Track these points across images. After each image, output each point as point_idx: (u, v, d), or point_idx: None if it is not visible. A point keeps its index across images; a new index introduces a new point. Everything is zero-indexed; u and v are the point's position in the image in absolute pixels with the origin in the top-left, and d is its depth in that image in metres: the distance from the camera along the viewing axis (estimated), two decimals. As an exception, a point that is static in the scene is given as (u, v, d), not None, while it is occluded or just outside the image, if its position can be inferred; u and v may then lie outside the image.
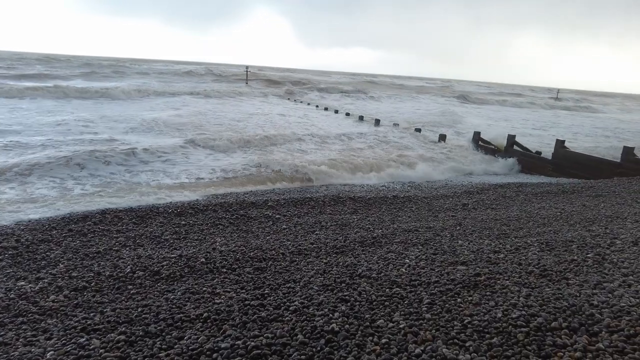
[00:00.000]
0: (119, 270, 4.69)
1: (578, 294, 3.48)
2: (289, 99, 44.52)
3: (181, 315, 3.54)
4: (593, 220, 6.24)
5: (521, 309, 3.25)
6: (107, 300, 3.98)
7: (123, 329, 3.34)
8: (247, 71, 64.26)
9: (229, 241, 5.76)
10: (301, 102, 41.42)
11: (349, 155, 14.67)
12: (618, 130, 32.20)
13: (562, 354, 2.63)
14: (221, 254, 5.15)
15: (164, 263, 4.86)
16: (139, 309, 3.70)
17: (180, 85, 45.75)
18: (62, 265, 4.85)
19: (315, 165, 12.24)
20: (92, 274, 4.59)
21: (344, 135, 19.39)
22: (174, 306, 3.75)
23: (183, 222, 6.62)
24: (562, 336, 2.82)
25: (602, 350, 2.62)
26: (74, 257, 5.15)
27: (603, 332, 2.79)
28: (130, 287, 4.30)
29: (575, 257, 4.50)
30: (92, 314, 3.65)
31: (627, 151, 13.71)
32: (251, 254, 5.19)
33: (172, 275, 4.55)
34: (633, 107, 73.85)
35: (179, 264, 4.84)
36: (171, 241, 5.81)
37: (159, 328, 3.34)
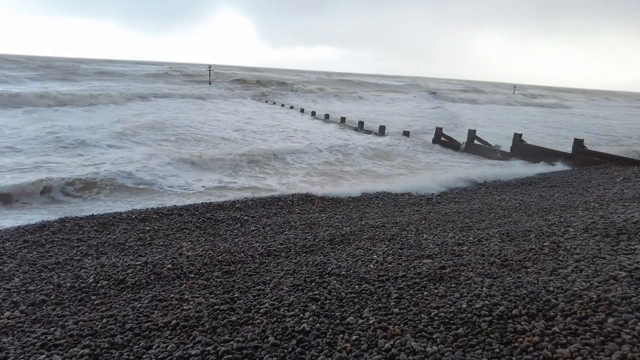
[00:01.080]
0: (81, 281, 4.52)
1: (536, 282, 3.65)
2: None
3: (149, 323, 3.46)
4: (549, 210, 6.55)
5: (484, 299, 3.38)
6: (68, 313, 3.83)
7: (87, 342, 3.23)
8: (209, 71, 62.98)
9: (196, 245, 5.67)
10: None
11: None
12: (596, 128, 30.68)
13: (522, 339, 2.76)
14: (188, 259, 5.06)
15: (129, 271, 4.73)
16: (104, 320, 3.59)
17: (141, 87, 44.05)
18: (17, 279, 4.62)
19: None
20: (52, 286, 4.41)
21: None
22: (141, 315, 3.67)
23: (147, 228, 6.46)
24: (522, 322, 2.96)
25: (558, 333, 2.77)
26: (30, 269, 4.93)
27: (558, 316, 2.95)
28: (93, 297, 4.16)
29: (534, 246, 4.72)
30: (52, 329, 3.51)
31: (577, 143, 14.45)
32: (219, 257, 5.13)
33: (137, 283, 4.43)
34: (606, 103, 76.24)
35: (145, 271, 4.73)
36: (136, 248, 5.66)
37: (125, 338, 3.25)
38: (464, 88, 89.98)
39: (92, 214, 7.29)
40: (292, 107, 35.70)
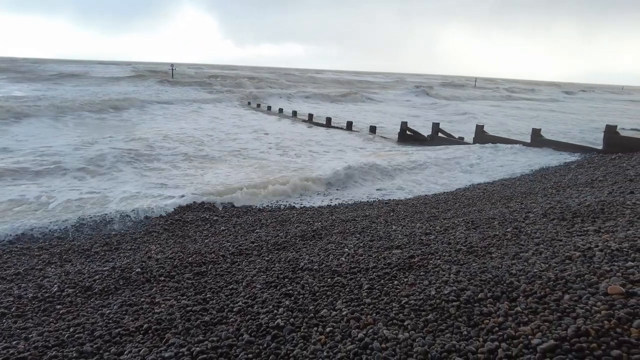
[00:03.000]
0: (44, 291, 4.36)
1: (500, 266, 3.82)
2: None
3: (119, 329, 3.39)
4: (510, 197, 6.84)
5: (452, 285, 3.51)
6: (32, 325, 3.70)
7: (54, 353, 3.14)
8: (172, 69, 61.27)
9: (165, 248, 5.58)
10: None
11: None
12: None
13: (487, 321, 2.89)
14: (157, 262, 4.97)
15: (96, 277, 4.60)
16: (71, 329, 3.49)
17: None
18: (-25, 292, 4.41)
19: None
20: (12, 298, 4.24)
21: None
22: (110, 321, 3.58)
23: (114, 232, 6.29)
24: (488, 305, 3.09)
25: (520, 312, 2.91)
26: (-11, 281, 4.71)
27: (520, 297, 3.10)
28: (59, 306, 4.03)
29: (497, 233, 4.92)
30: (14, 342, 3.37)
31: (535, 132, 15.09)
32: (190, 259, 5.07)
33: (106, 289, 4.32)
34: (586, 95, 75.28)
35: (113, 276, 4.61)
36: (102, 253, 5.51)
37: (95, 346, 3.18)
38: (442, 82, 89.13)
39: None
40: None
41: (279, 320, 3.22)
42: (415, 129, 19.12)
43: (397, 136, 19.23)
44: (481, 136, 16.55)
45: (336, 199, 8.24)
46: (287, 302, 3.53)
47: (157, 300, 3.95)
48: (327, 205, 7.69)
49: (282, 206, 7.67)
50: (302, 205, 7.77)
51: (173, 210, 7.20)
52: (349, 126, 22.20)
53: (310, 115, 25.70)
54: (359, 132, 20.95)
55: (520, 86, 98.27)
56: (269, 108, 31.47)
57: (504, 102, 50.86)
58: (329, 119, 23.74)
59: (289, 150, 14.99)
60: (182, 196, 7.79)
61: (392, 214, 6.31)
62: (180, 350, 2.97)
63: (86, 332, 3.40)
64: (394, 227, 5.50)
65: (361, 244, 5.12)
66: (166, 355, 2.93)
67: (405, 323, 3.03)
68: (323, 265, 4.51)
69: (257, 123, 23.16)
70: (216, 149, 14.59)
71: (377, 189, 9.14)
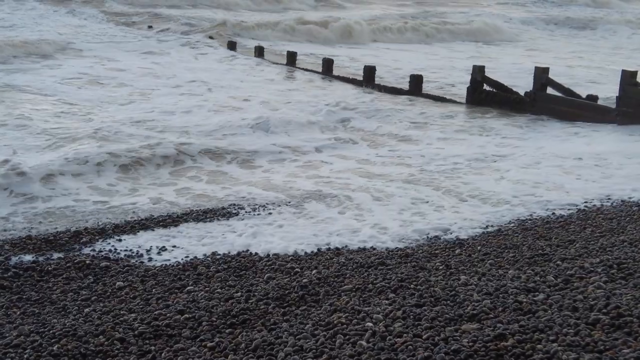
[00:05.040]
0: None
1: None
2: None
3: None
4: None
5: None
6: None
7: None
8: None
9: (4, 326, 2.78)
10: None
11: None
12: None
13: None
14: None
15: None
16: None
17: None
18: None
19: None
20: None
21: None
22: None
23: None
24: None
25: None
26: None
27: None
28: None
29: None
30: None
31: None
32: (54, 348, 2.45)
33: None
34: None
35: None
36: None
37: None
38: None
39: None
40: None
41: None
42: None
43: (465, 93, 10.65)
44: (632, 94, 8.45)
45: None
46: None
47: None
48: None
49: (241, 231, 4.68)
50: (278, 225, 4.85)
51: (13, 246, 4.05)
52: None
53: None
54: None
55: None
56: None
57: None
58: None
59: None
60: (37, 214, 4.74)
61: (457, 250, 3.76)
62: None
63: None
64: (462, 277, 3.06)
65: (399, 313, 2.70)
66: None
67: None
68: (324, 357, 2.09)
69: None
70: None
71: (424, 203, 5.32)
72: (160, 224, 4.76)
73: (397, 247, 4.06)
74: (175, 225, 4.72)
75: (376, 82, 11.75)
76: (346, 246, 4.18)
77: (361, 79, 11.92)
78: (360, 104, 10.00)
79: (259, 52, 15.11)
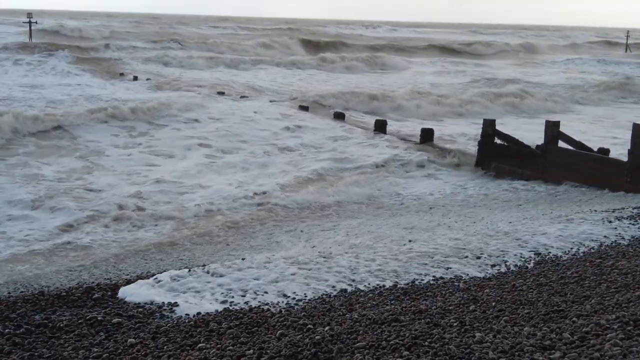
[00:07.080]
0: None
1: None
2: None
3: None
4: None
5: None
6: None
7: None
8: (30, 22, 33.36)
9: None
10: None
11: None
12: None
13: None
14: None
15: None
16: None
17: None
18: None
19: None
20: None
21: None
22: None
23: None
24: None
25: None
26: None
27: None
28: None
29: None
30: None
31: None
32: None
33: None
34: None
35: None
36: None
37: None
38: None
39: None
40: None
41: None
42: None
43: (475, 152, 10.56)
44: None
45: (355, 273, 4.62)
46: None
47: None
48: (341, 289, 4.58)
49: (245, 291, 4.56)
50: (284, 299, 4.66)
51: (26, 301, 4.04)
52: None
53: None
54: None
55: None
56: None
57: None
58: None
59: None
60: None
61: (472, 306, 3.69)
62: None
63: None
64: (477, 334, 3.02)
65: (414, 372, 2.62)
66: None
67: None
68: None
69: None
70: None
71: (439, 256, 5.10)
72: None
73: (411, 304, 3.85)
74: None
75: None
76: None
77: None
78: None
79: None
